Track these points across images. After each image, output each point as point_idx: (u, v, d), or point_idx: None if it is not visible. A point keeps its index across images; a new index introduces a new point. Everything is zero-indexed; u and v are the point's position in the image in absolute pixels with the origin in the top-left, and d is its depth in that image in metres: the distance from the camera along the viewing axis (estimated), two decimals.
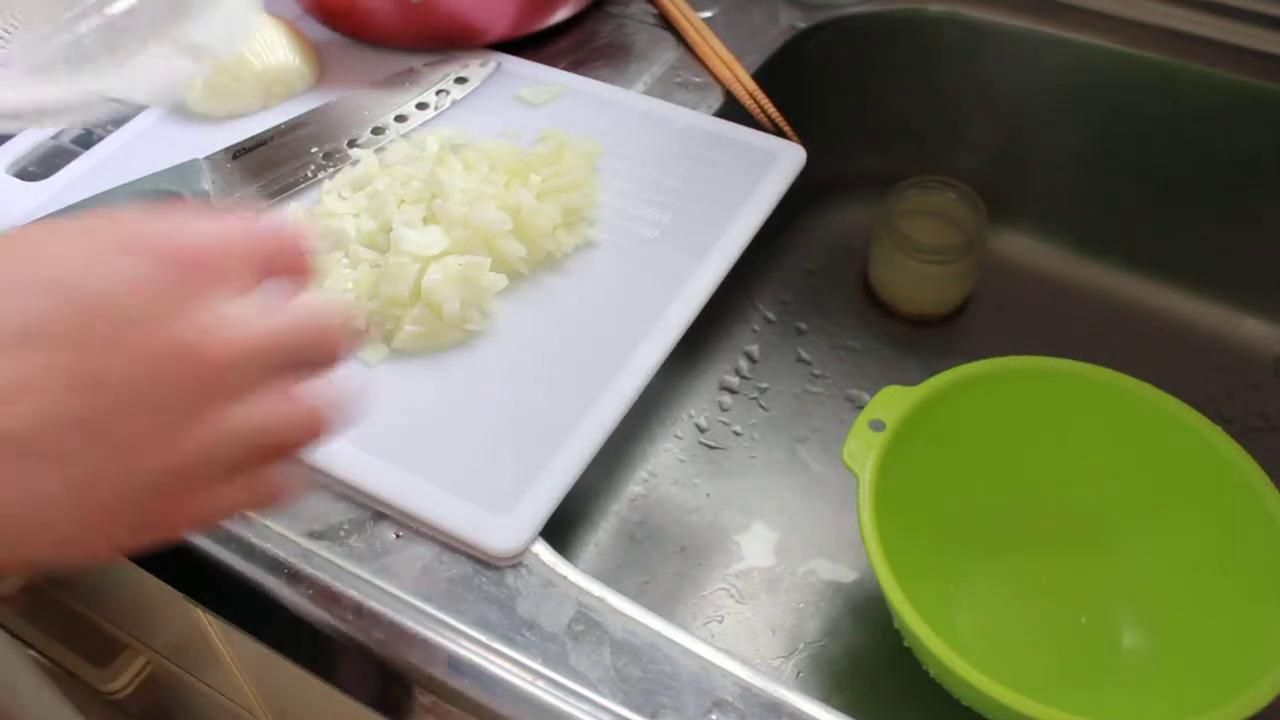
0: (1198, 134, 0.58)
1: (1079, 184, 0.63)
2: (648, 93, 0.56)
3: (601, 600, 0.36)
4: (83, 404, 0.23)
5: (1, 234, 0.25)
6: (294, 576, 0.37)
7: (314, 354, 0.28)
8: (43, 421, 0.23)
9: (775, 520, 0.53)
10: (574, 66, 0.58)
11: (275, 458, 0.27)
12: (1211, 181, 0.59)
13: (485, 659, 0.35)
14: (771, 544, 0.52)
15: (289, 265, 0.28)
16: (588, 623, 0.35)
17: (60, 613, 0.80)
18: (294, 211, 0.48)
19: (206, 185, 0.48)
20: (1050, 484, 0.48)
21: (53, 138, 0.54)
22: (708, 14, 0.61)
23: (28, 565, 0.25)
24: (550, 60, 0.58)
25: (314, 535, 0.38)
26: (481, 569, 0.37)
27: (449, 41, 0.58)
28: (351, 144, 0.52)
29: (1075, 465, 0.47)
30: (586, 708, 0.34)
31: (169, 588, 0.41)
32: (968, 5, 0.60)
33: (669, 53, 0.59)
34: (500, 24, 0.57)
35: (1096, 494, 0.47)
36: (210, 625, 0.56)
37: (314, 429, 0.28)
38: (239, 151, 0.51)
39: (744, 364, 0.60)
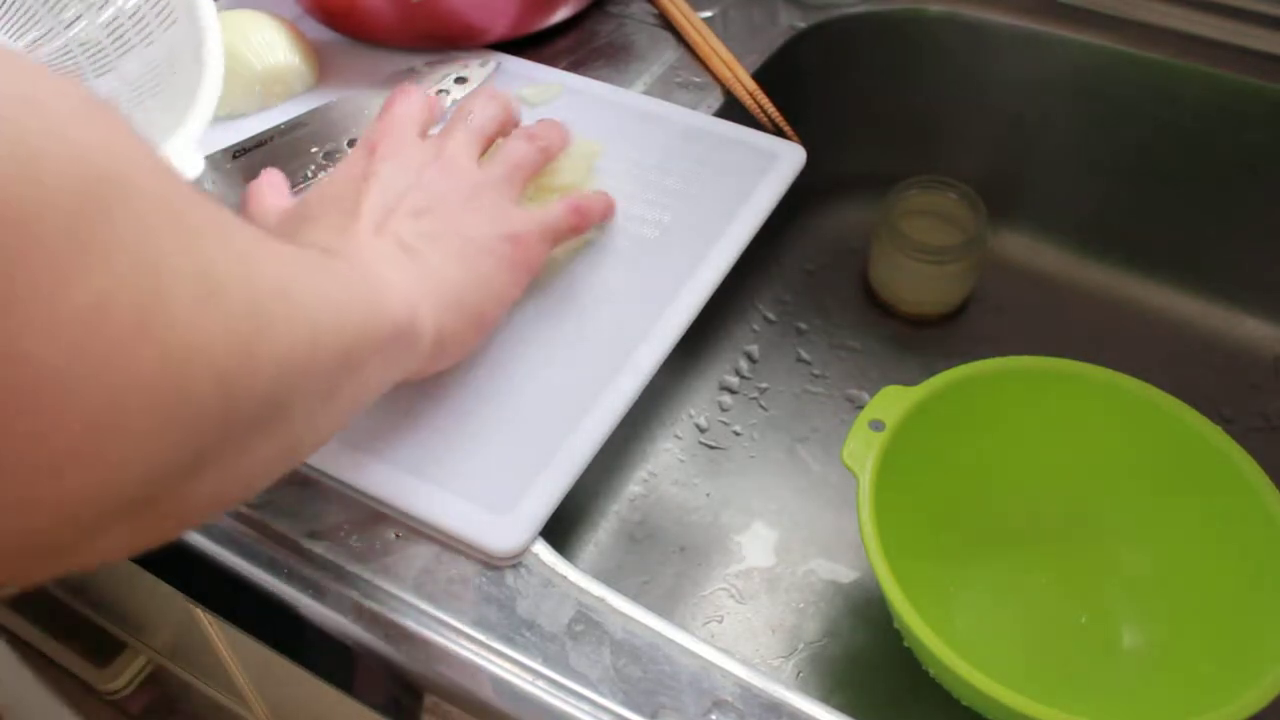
0: (1198, 134, 0.58)
1: (1079, 184, 0.63)
2: (648, 93, 0.56)
3: (601, 600, 0.36)
4: (438, 218, 0.38)
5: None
6: (294, 576, 0.37)
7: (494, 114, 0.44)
8: (432, 233, 0.37)
9: (775, 520, 0.53)
10: (574, 66, 0.58)
11: (534, 163, 0.43)
12: (1211, 181, 0.59)
13: (485, 659, 0.35)
14: (771, 544, 0.52)
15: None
16: (588, 623, 0.35)
17: (60, 613, 0.80)
18: None
19: (208, 185, 0.48)
20: (1050, 484, 0.48)
21: None
22: (708, 14, 0.61)
23: (487, 329, 0.40)
24: (550, 60, 0.58)
25: (314, 535, 0.38)
26: (481, 569, 0.37)
27: (449, 41, 0.58)
28: (351, 144, 0.52)
29: (1075, 465, 0.47)
30: (586, 708, 0.34)
31: (169, 588, 0.41)
32: (968, 5, 0.60)
33: (669, 53, 0.59)
34: (500, 24, 0.57)
35: (1096, 494, 0.47)
36: (210, 625, 0.56)
37: (538, 136, 0.44)
38: (239, 151, 0.51)
39: (744, 364, 0.60)
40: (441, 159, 0.40)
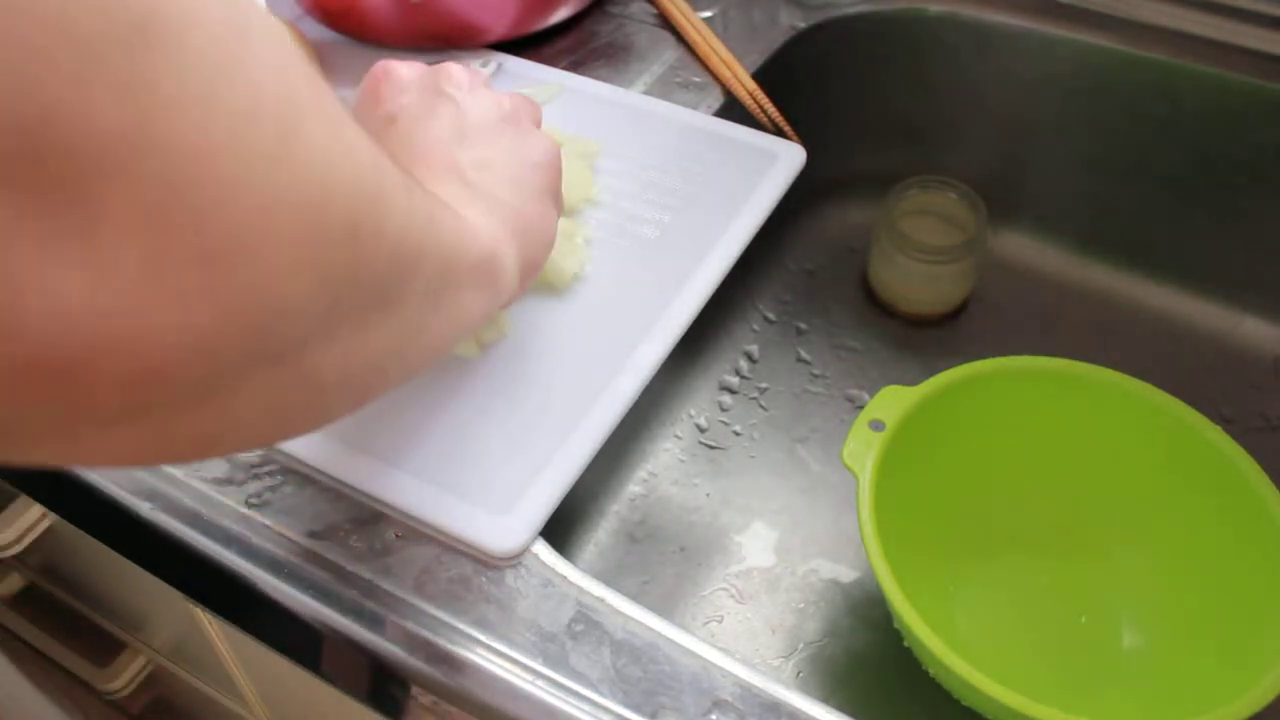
0: (1198, 134, 0.58)
1: (1079, 184, 0.63)
2: (648, 93, 0.57)
3: (601, 600, 0.36)
4: (484, 141, 0.38)
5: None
6: (294, 576, 0.37)
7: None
8: (486, 160, 0.37)
9: (775, 520, 0.53)
10: (574, 66, 0.58)
11: (539, 117, 0.42)
12: (1211, 181, 0.59)
13: (485, 659, 0.35)
14: (771, 544, 0.52)
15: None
16: (588, 623, 0.35)
17: (60, 613, 0.81)
18: None
19: None
20: (1050, 484, 0.48)
21: None
22: (708, 14, 0.61)
23: (548, 254, 0.40)
24: (550, 60, 0.58)
25: (314, 535, 0.38)
26: (481, 569, 0.37)
27: (449, 41, 0.58)
28: None
29: (1075, 465, 0.47)
30: (586, 708, 0.34)
31: (169, 588, 0.41)
32: (968, 5, 0.60)
33: (669, 53, 0.59)
34: (500, 24, 0.57)
35: (1096, 494, 0.47)
36: (210, 625, 0.56)
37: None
38: None
39: (744, 364, 0.60)
40: (460, 83, 0.39)
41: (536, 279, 0.45)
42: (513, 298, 0.37)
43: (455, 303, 0.31)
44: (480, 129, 0.38)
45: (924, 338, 0.61)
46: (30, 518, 0.65)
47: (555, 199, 0.40)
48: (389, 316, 0.26)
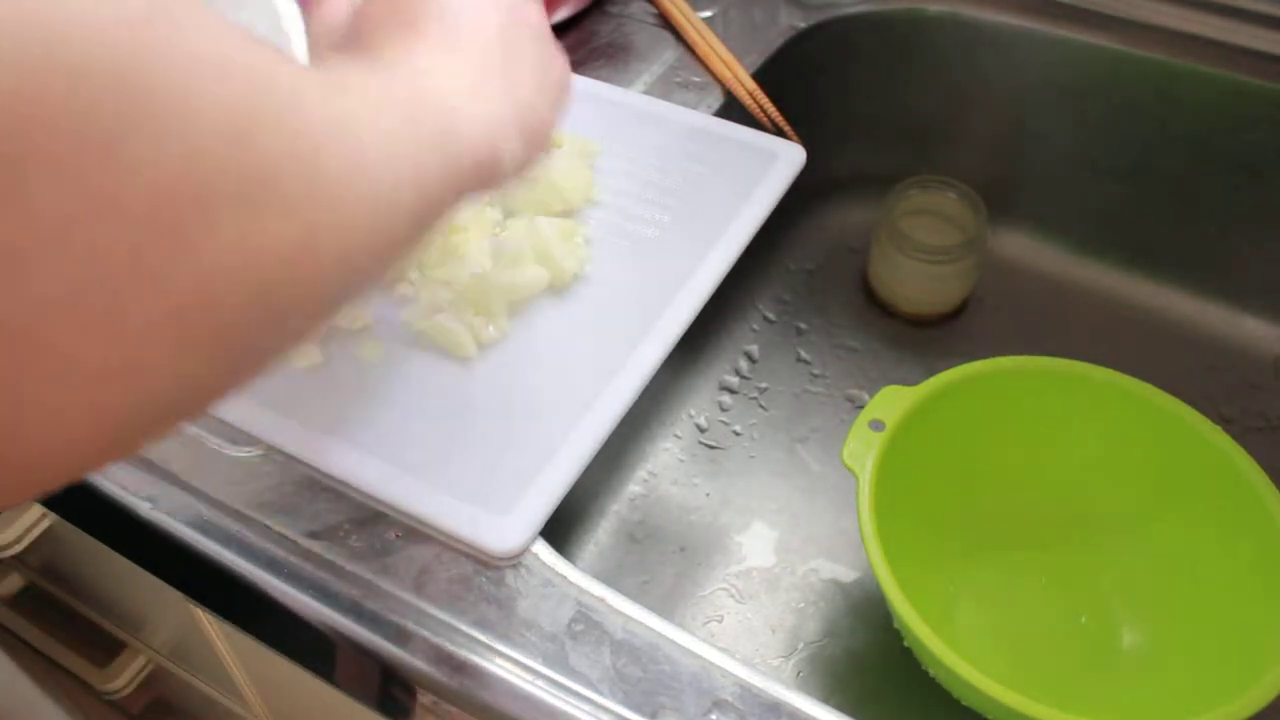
0: (1198, 134, 0.58)
1: (1079, 184, 0.63)
2: (648, 93, 0.56)
3: (601, 600, 0.36)
4: (519, 27, 0.36)
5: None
6: (294, 576, 0.37)
7: None
8: (516, 45, 0.36)
9: (775, 520, 0.53)
10: (574, 66, 0.58)
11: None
12: (1211, 181, 0.59)
13: (485, 659, 0.35)
14: (771, 544, 0.52)
15: None
16: (588, 623, 0.35)
17: (60, 613, 0.81)
18: None
19: None
20: (1050, 484, 0.48)
21: None
22: (708, 14, 0.61)
23: (546, 144, 0.37)
24: None
25: (314, 535, 0.38)
26: (481, 569, 0.37)
27: None
28: None
29: (1075, 465, 0.47)
30: (586, 708, 0.34)
31: (169, 588, 0.41)
32: (967, 5, 0.60)
33: (669, 52, 0.59)
34: None
35: (1096, 494, 0.47)
36: (210, 625, 0.56)
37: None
38: None
39: (744, 364, 0.60)
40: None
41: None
42: (493, 192, 0.36)
43: (429, 223, 0.29)
44: (519, 28, 0.37)
45: (924, 338, 0.61)
46: (30, 518, 0.65)
47: (559, 121, 0.38)
48: (332, 313, 0.25)
